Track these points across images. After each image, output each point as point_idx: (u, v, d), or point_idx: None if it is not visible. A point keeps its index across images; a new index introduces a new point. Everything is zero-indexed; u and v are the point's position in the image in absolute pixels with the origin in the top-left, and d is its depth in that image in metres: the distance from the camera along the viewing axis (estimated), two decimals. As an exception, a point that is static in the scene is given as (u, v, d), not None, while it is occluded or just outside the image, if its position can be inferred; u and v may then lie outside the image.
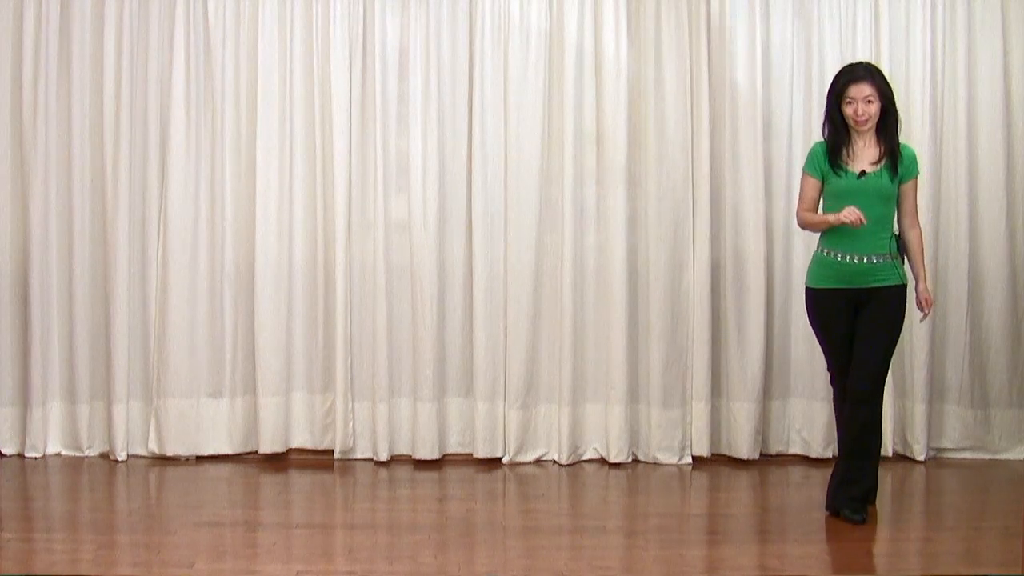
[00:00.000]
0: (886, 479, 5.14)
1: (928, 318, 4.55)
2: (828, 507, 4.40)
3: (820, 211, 4.40)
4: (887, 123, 4.32)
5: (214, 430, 5.33)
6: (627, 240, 5.27)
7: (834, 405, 4.51)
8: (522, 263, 5.29)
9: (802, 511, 4.60)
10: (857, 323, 4.33)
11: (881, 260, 4.27)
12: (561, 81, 5.25)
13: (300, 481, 5.06)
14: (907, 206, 4.38)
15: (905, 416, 5.36)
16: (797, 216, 4.49)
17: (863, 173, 4.28)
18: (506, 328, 5.29)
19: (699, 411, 5.30)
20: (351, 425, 5.33)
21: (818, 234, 4.43)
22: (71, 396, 5.32)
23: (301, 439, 5.35)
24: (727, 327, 5.31)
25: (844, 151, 4.33)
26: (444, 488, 4.92)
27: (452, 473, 5.15)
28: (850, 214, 4.17)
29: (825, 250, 4.34)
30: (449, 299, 5.32)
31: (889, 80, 4.40)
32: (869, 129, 4.31)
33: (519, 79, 5.27)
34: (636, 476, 5.15)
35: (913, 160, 4.38)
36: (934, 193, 5.32)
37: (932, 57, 5.31)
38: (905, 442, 5.38)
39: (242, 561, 3.87)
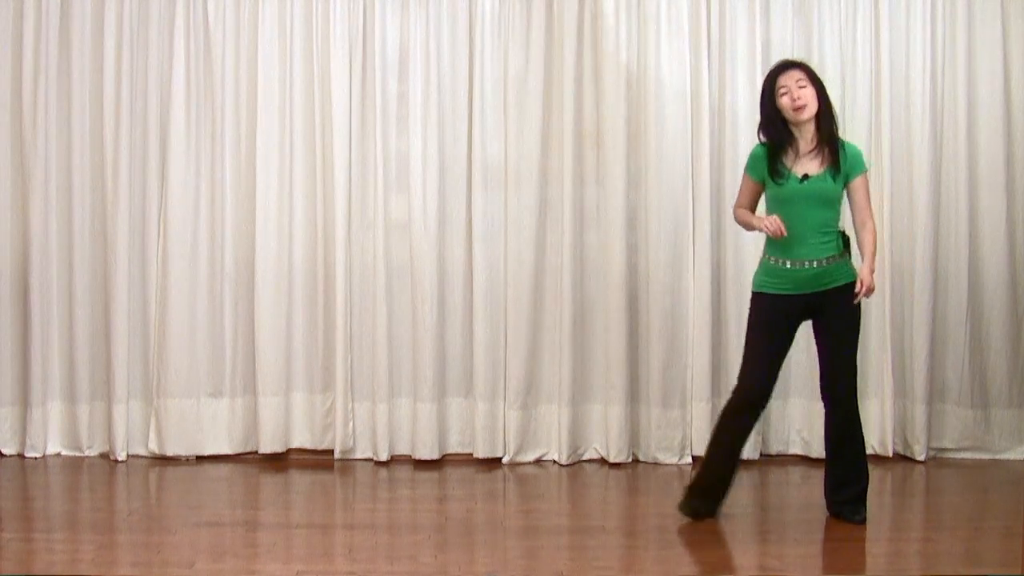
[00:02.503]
0: (886, 479, 5.15)
1: (862, 299, 4.26)
2: (830, 510, 4.39)
3: (765, 214, 4.30)
4: (824, 121, 4.21)
5: (214, 430, 5.33)
6: (627, 240, 5.27)
7: (722, 412, 4.33)
8: (522, 263, 5.29)
9: (802, 511, 4.60)
10: (817, 328, 4.28)
11: (830, 262, 4.20)
12: (561, 81, 5.25)
13: (300, 481, 5.06)
14: (858, 203, 4.28)
15: (905, 416, 5.36)
16: (733, 212, 4.44)
17: (806, 177, 4.18)
18: (506, 328, 5.29)
19: (699, 411, 5.30)
20: (351, 425, 5.33)
21: (759, 236, 4.37)
22: (71, 396, 5.32)
23: (301, 439, 5.35)
24: (727, 327, 5.31)
25: (786, 154, 4.24)
26: (444, 488, 4.92)
27: (452, 473, 5.16)
28: (771, 223, 4.12)
29: (772, 258, 4.25)
30: (449, 299, 5.32)
31: (522, 80, 4.24)
32: (808, 119, 4.19)
33: (519, 79, 5.27)
34: (636, 476, 5.15)
35: (858, 157, 4.28)
36: (934, 193, 5.32)
37: (932, 57, 5.31)
38: (905, 442, 5.38)
39: (242, 561, 3.87)
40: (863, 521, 4.27)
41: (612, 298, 5.25)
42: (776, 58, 5.26)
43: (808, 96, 4.18)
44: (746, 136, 5.25)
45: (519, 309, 5.28)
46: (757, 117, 5.23)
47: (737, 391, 4.30)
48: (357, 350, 5.32)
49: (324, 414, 5.35)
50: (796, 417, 5.36)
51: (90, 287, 5.29)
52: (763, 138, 4.30)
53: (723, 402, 5.27)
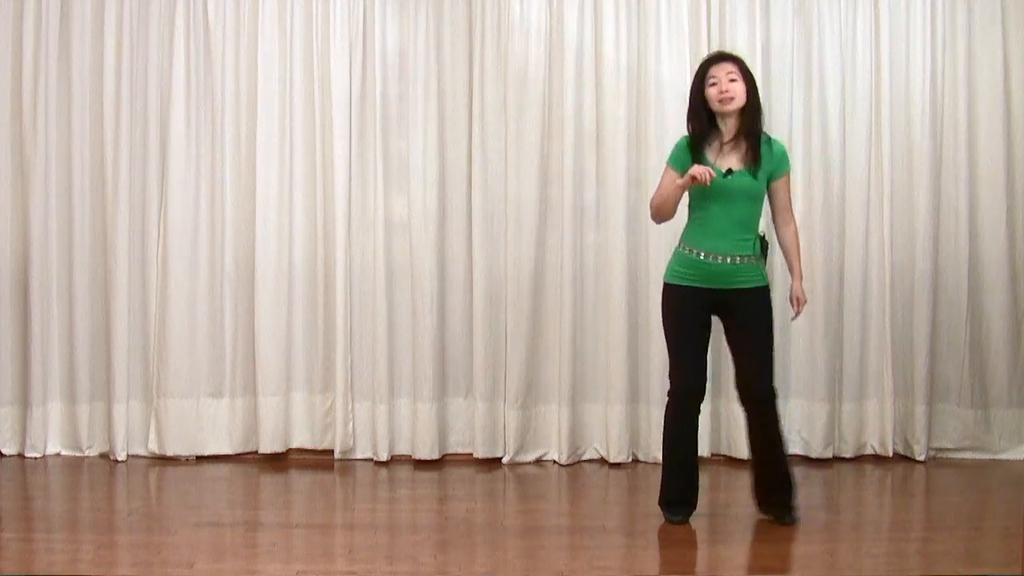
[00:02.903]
0: (886, 479, 5.15)
1: (800, 316, 4.36)
2: (760, 510, 4.36)
3: (689, 209, 4.24)
4: (750, 116, 4.15)
5: (214, 430, 5.33)
6: (627, 240, 5.27)
7: (666, 409, 4.31)
8: (522, 263, 5.29)
9: (802, 511, 4.60)
10: (729, 328, 4.24)
11: (744, 261, 4.14)
12: (561, 81, 5.25)
13: (300, 481, 5.06)
14: (780, 203, 4.25)
15: (905, 416, 5.37)
16: (650, 206, 4.33)
17: (729, 171, 4.11)
18: (506, 328, 5.29)
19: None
20: (351, 425, 5.33)
21: (675, 229, 4.32)
22: (71, 396, 5.32)
23: (301, 439, 5.35)
24: (727, 327, 5.31)
25: (710, 147, 4.18)
26: (444, 488, 4.92)
27: (452, 473, 5.16)
28: (700, 169, 3.98)
29: (687, 247, 4.19)
30: (449, 299, 5.32)
31: (522, 80, 4.18)
32: (733, 111, 4.13)
33: (519, 79, 5.27)
34: (636, 476, 5.15)
35: (783, 155, 4.23)
36: (934, 193, 5.33)
37: (932, 57, 5.32)
38: (905, 442, 5.38)
39: (242, 561, 3.87)
40: (794, 522, 4.26)
41: (612, 298, 5.25)
42: (776, 58, 5.30)
43: (737, 90, 4.13)
44: (746, 136, 5.26)
45: (519, 309, 5.28)
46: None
47: (673, 391, 4.26)
48: (357, 350, 5.32)
49: (324, 414, 5.35)
50: (796, 417, 5.36)
51: (90, 287, 5.29)
52: (690, 130, 4.25)
53: (722, 402, 5.34)
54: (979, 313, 5.38)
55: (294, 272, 5.31)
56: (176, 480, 5.01)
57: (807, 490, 4.92)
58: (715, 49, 5.26)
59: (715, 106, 4.15)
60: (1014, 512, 4.42)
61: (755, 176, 4.14)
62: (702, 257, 4.15)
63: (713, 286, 4.16)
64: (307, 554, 3.93)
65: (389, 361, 5.29)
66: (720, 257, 4.14)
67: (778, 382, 5.29)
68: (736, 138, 4.17)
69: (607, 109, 5.24)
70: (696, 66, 5.20)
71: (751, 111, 4.16)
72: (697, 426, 4.32)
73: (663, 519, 4.31)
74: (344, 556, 3.94)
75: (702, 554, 4.05)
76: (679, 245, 4.26)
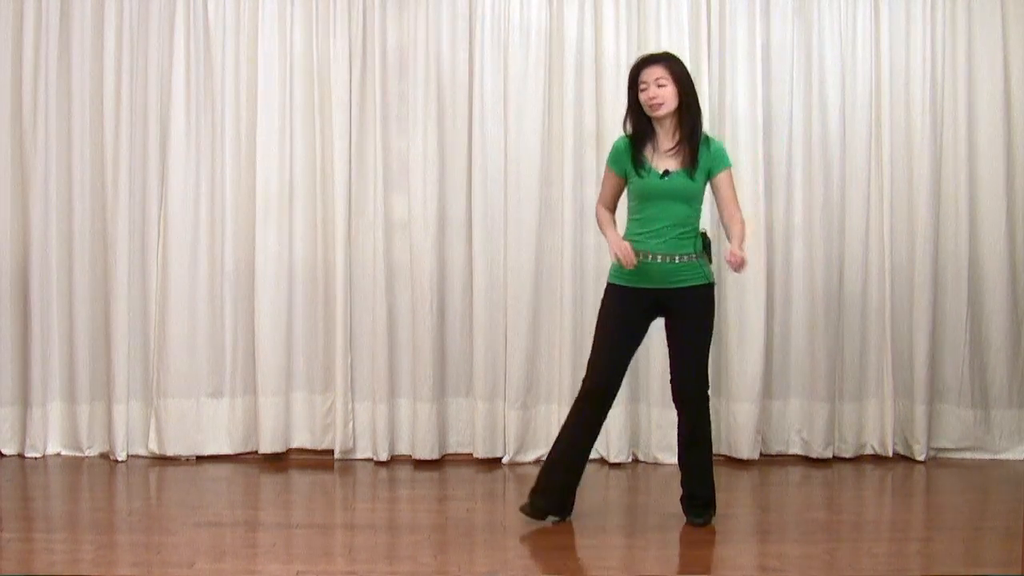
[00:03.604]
0: (886, 479, 5.15)
1: (741, 269, 4.11)
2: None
3: (628, 210, 4.24)
4: (684, 115, 4.13)
5: (214, 430, 5.33)
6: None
7: (573, 405, 4.25)
8: (522, 263, 5.29)
9: (802, 511, 4.61)
10: (669, 327, 4.22)
11: (685, 260, 4.13)
12: (561, 81, 5.25)
13: (300, 481, 5.06)
14: (724, 198, 4.19)
15: (905, 416, 5.37)
16: (596, 210, 4.34)
17: (666, 173, 4.12)
18: (506, 328, 5.29)
19: (699, 411, 5.30)
20: (351, 425, 5.33)
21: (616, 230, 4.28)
22: (71, 396, 5.32)
23: (301, 439, 5.36)
24: (727, 327, 5.32)
25: (647, 147, 4.17)
26: (444, 488, 4.92)
27: (452, 473, 5.16)
28: (621, 252, 4.04)
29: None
30: (449, 299, 5.32)
31: (525, 79, 4.16)
32: (665, 115, 4.11)
33: (519, 79, 5.27)
34: (636, 476, 5.15)
35: (721, 152, 4.19)
36: (934, 193, 5.33)
37: (932, 57, 5.32)
38: (905, 442, 5.38)
39: (242, 561, 3.87)
40: (704, 523, 4.24)
41: (612, 298, 5.25)
42: (776, 58, 5.31)
43: (665, 95, 4.10)
44: (746, 136, 5.27)
45: (519, 309, 5.28)
46: (758, 117, 5.29)
47: (583, 384, 4.23)
48: (357, 350, 5.32)
49: (324, 414, 5.35)
50: (796, 417, 5.36)
51: (90, 287, 5.29)
52: (628, 129, 4.24)
53: (722, 402, 5.33)
54: (979, 313, 5.38)
55: (294, 272, 5.31)
56: (176, 480, 5.01)
57: (807, 491, 4.93)
58: (717, 47, 5.29)
59: (647, 111, 4.15)
60: (1014, 512, 4.42)
61: (691, 177, 4.12)
62: (643, 257, 4.13)
63: (654, 286, 4.15)
64: (307, 554, 3.93)
65: (389, 361, 5.29)
66: (660, 256, 4.13)
67: (778, 382, 5.36)
68: (673, 139, 4.16)
69: (607, 109, 5.24)
70: (696, 66, 5.25)
71: (686, 112, 4.14)
72: (597, 425, 4.25)
73: (665, 519, 4.30)
74: (344, 556, 3.94)
75: (702, 554, 4.04)
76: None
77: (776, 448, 5.39)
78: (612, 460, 5.28)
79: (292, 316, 5.31)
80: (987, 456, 5.40)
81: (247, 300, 5.31)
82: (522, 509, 4.29)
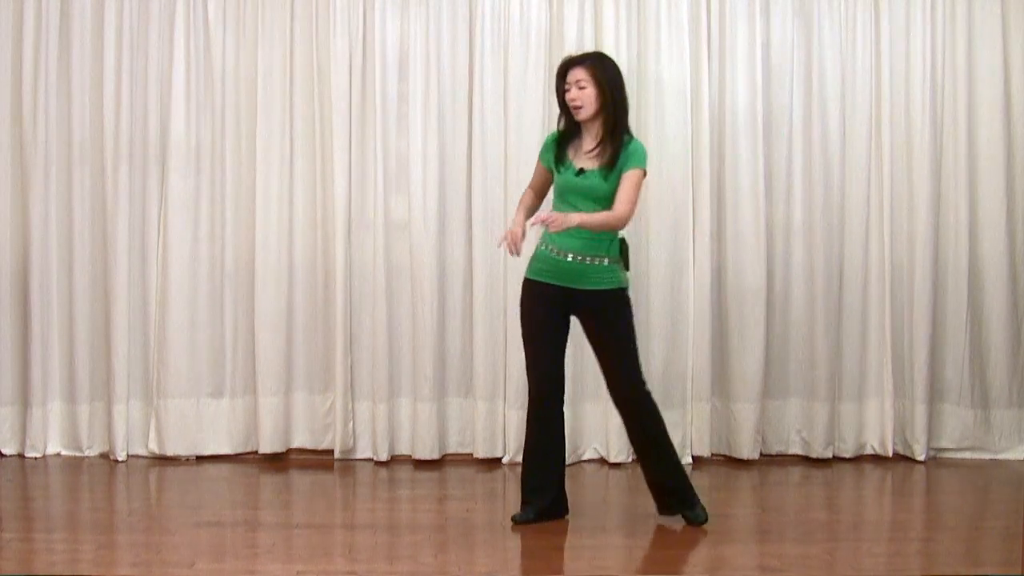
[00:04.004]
0: (886, 479, 5.15)
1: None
2: (660, 511, 4.30)
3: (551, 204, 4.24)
4: (609, 118, 4.10)
5: (214, 430, 5.33)
6: (627, 240, 5.25)
7: (528, 409, 4.25)
8: (522, 263, 5.26)
9: (802, 511, 4.61)
10: (586, 332, 4.20)
11: (596, 262, 4.10)
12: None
13: (300, 481, 5.06)
14: (617, 192, 4.07)
15: (905, 416, 5.37)
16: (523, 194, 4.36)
17: (582, 171, 4.11)
18: (506, 328, 5.28)
19: (699, 411, 5.30)
20: (351, 425, 5.33)
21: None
22: (71, 396, 5.32)
23: (301, 439, 5.35)
24: (727, 327, 5.32)
25: (572, 145, 4.17)
26: (444, 488, 4.92)
27: (452, 473, 5.15)
28: (510, 239, 4.05)
29: (544, 243, 4.18)
30: (449, 299, 5.32)
31: (526, 79, 4.13)
32: (587, 117, 4.11)
33: (519, 79, 5.27)
34: (636, 476, 5.13)
35: (636, 154, 4.10)
36: (934, 193, 5.33)
37: (932, 57, 5.32)
38: (905, 442, 5.38)
39: (242, 561, 3.87)
40: (700, 520, 4.20)
41: (612, 298, 5.25)
42: (776, 58, 5.31)
43: (585, 98, 4.09)
44: (746, 136, 5.27)
45: (519, 309, 5.27)
46: (758, 117, 5.29)
47: (530, 390, 4.22)
48: (357, 350, 5.32)
49: (324, 414, 5.35)
50: (796, 417, 5.36)
51: (90, 287, 5.29)
52: (561, 126, 4.24)
53: (723, 402, 5.34)
54: (979, 313, 5.38)
55: (294, 272, 5.30)
56: (176, 480, 5.01)
57: (807, 491, 4.93)
58: (717, 47, 5.29)
59: (572, 112, 4.15)
60: (1014, 512, 4.42)
61: (605, 177, 4.09)
62: (554, 253, 4.14)
63: (565, 284, 4.13)
64: (307, 554, 3.93)
65: (389, 361, 5.29)
66: (570, 255, 4.11)
67: (778, 382, 5.36)
68: (595, 139, 4.14)
69: (607, 109, 5.24)
70: (696, 66, 5.26)
71: (610, 114, 4.11)
72: (560, 426, 4.26)
73: (660, 519, 4.31)
74: (344, 556, 3.94)
75: (702, 554, 4.04)
76: (539, 241, 4.25)
77: (776, 448, 5.39)
78: (612, 460, 5.28)
79: (292, 316, 5.31)
80: (987, 456, 5.40)
81: (247, 300, 5.31)
82: (514, 519, 4.28)
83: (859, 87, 5.32)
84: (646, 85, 5.26)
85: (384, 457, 5.29)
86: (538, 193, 4.33)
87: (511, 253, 4.12)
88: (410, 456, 5.32)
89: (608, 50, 5.21)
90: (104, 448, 5.32)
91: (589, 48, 5.24)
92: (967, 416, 5.39)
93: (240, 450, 5.36)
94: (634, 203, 4.09)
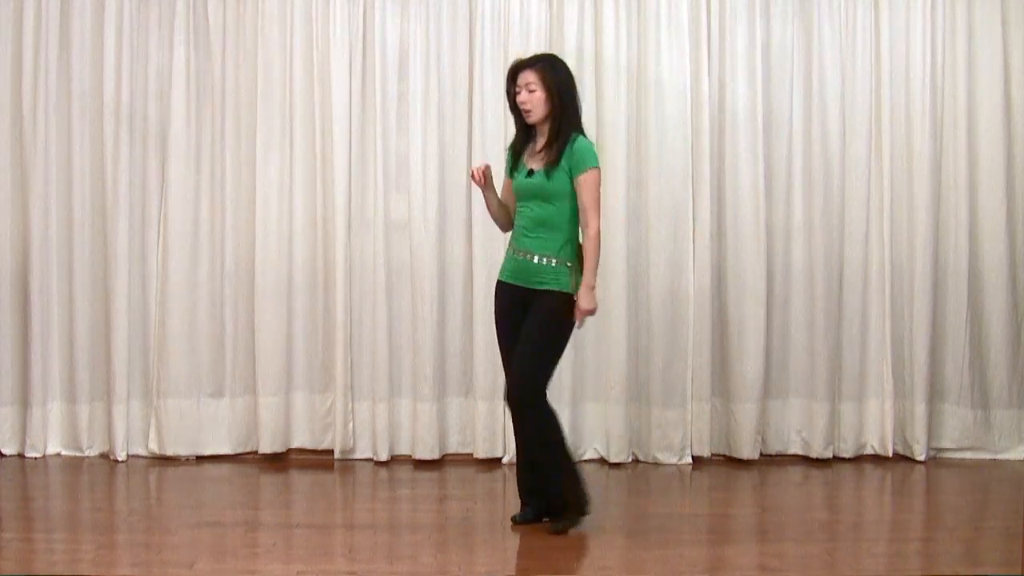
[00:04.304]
0: (886, 479, 5.15)
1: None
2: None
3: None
4: (557, 119, 4.10)
5: (214, 430, 5.33)
6: (627, 240, 5.27)
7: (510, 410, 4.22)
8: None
9: (802, 511, 4.61)
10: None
11: (546, 262, 4.08)
12: (561, 81, 5.25)
13: (300, 481, 5.06)
14: (580, 202, 4.07)
15: (905, 416, 5.37)
16: None
17: (531, 172, 4.14)
18: (506, 328, 5.28)
19: (699, 411, 5.30)
20: (351, 425, 5.33)
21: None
22: (71, 396, 5.32)
23: (301, 439, 5.35)
24: (727, 327, 5.32)
25: (528, 147, 4.20)
26: (444, 488, 4.92)
27: (452, 473, 5.15)
28: (477, 170, 4.15)
29: (509, 245, 4.25)
30: (449, 299, 5.32)
31: (569, 74, 4.12)
32: (536, 120, 4.13)
33: (519, 79, 5.26)
34: (636, 476, 5.15)
35: (584, 153, 4.07)
36: (934, 193, 5.33)
37: (932, 57, 5.32)
38: (905, 442, 5.38)
39: (242, 561, 3.87)
40: (559, 532, 4.12)
41: (612, 298, 5.25)
42: (776, 58, 5.31)
43: (535, 101, 4.10)
44: (746, 136, 5.27)
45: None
46: (758, 117, 5.29)
47: (505, 387, 4.21)
48: (357, 350, 5.32)
49: (324, 414, 5.35)
50: (796, 417, 5.36)
51: (90, 287, 5.29)
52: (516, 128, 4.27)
53: (723, 402, 5.35)
54: (979, 313, 5.38)
55: (294, 272, 5.30)
56: (176, 480, 5.01)
57: (807, 491, 4.93)
58: (717, 47, 5.29)
59: (523, 115, 4.17)
60: (1014, 512, 4.42)
61: (548, 176, 4.08)
62: (512, 253, 4.20)
63: (518, 283, 4.16)
64: (307, 554, 3.93)
65: (389, 361, 5.29)
66: (522, 253, 4.15)
67: (778, 382, 5.36)
68: (545, 139, 4.16)
69: (607, 109, 5.24)
70: (696, 66, 5.25)
71: (560, 115, 4.11)
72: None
73: (665, 519, 4.31)
74: (344, 556, 3.94)
75: (702, 554, 4.05)
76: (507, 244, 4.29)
77: (776, 448, 5.39)
78: (612, 460, 5.28)
79: (292, 316, 5.31)
80: (987, 456, 5.40)
81: (247, 300, 5.31)
82: (514, 519, 4.28)
83: (859, 87, 5.33)
84: (646, 85, 5.26)
85: (384, 457, 5.29)
86: (511, 203, 4.30)
87: (476, 182, 4.16)
88: (410, 456, 5.32)
89: (608, 50, 5.24)
90: (104, 448, 5.32)
91: (589, 48, 5.26)
92: (967, 416, 5.39)
93: (240, 450, 5.36)
94: (599, 206, 4.10)
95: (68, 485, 4.97)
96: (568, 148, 4.09)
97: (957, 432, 5.40)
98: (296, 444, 5.36)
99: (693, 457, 5.32)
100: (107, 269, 5.25)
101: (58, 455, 5.33)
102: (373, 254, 5.29)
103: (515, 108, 4.19)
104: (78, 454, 5.33)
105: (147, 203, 5.29)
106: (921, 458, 5.32)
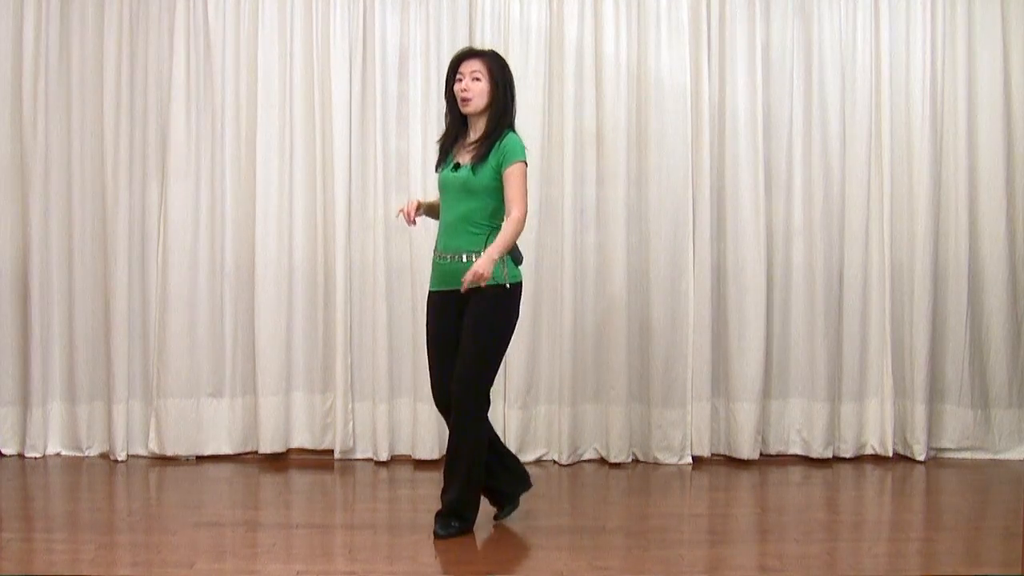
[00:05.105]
0: (886, 479, 5.15)
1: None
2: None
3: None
4: (494, 115, 4.07)
5: (214, 430, 5.33)
6: (627, 240, 5.27)
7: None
8: (526, 264, 5.27)
9: (802, 511, 4.61)
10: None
11: (473, 258, 3.99)
12: (561, 81, 5.25)
13: (300, 481, 5.06)
14: (505, 193, 4.00)
15: (905, 416, 5.37)
16: None
17: (457, 165, 4.08)
18: (506, 328, 5.28)
19: (699, 411, 5.30)
20: (351, 425, 5.33)
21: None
22: (71, 396, 5.32)
23: (301, 439, 5.35)
24: (727, 327, 5.32)
25: (458, 141, 4.15)
26: (444, 488, 4.92)
27: (452, 473, 5.15)
28: (405, 207, 4.07)
29: (434, 249, 4.16)
30: (449, 299, 5.32)
31: (517, 79, 4.13)
32: (474, 110, 4.07)
33: (519, 79, 5.21)
34: (636, 476, 5.15)
35: (512, 147, 4.02)
36: (934, 193, 5.33)
37: (932, 57, 5.32)
38: (905, 442, 5.38)
39: (242, 561, 3.87)
40: (441, 536, 4.07)
41: (612, 298, 5.25)
42: (776, 58, 5.31)
43: (477, 90, 4.05)
44: (746, 136, 5.27)
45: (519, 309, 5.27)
46: (758, 117, 5.29)
47: (437, 390, 4.17)
48: (357, 350, 5.32)
49: (324, 414, 5.35)
50: (796, 417, 5.36)
51: (90, 287, 5.29)
52: (446, 120, 4.23)
53: (723, 402, 5.35)
54: (979, 313, 5.38)
55: (294, 272, 5.30)
56: (176, 480, 5.01)
57: (807, 491, 4.93)
58: (717, 47, 5.29)
59: (459, 104, 4.11)
60: (1014, 512, 4.42)
61: (474, 171, 4.03)
62: (438, 258, 4.13)
63: (449, 287, 4.05)
64: (307, 554, 3.93)
65: (389, 361, 5.29)
66: (450, 255, 4.07)
67: (778, 382, 5.36)
68: (478, 133, 4.11)
69: (607, 109, 5.24)
70: (696, 66, 5.25)
71: (498, 109, 4.08)
72: (487, 427, 4.19)
73: (665, 519, 4.30)
74: (344, 556, 3.94)
75: (702, 554, 4.05)
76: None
77: (776, 448, 5.39)
78: (612, 460, 5.28)
79: (292, 316, 5.31)
80: (987, 456, 5.40)
81: (247, 300, 5.31)
82: (497, 518, 4.31)
83: (859, 87, 5.32)
84: (646, 85, 5.26)
85: (384, 457, 5.29)
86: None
87: (408, 222, 4.09)
88: (410, 456, 5.32)
89: (608, 50, 5.24)
90: (104, 448, 5.32)
91: (589, 48, 5.26)
92: (967, 416, 5.39)
93: (240, 450, 5.36)
94: (525, 198, 4.02)
95: (68, 485, 4.97)
96: (498, 144, 4.04)
97: (957, 432, 5.40)
98: (296, 444, 5.36)
99: (693, 457, 5.32)
100: (107, 269, 5.24)
101: (58, 455, 5.33)
102: (373, 254, 5.29)
103: (451, 98, 4.13)
104: (78, 454, 5.33)
105: (147, 203, 5.28)
106: (921, 458, 5.32)
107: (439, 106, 5.25)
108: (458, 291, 3.98)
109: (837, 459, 5.37)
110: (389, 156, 5.31)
